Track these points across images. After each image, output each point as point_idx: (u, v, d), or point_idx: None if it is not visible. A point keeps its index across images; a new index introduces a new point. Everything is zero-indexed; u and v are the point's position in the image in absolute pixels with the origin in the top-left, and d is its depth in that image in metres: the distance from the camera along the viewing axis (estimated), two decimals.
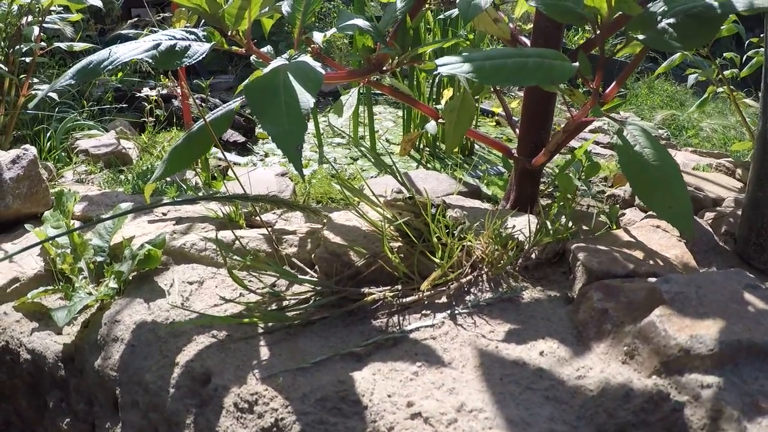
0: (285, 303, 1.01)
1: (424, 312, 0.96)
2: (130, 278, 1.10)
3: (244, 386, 0.80)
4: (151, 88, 2.62)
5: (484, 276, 1.06)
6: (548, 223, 1.10)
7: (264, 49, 1.26)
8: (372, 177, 2.34)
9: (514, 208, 1.39)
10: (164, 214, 1.46)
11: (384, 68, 1.32)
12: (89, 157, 2.12)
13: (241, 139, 2.66)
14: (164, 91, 2.62)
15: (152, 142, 2.44)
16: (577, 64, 1.05)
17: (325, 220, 1.16)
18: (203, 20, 1.30)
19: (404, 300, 0.99)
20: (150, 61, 1.02)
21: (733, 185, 1.78)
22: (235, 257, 1.05)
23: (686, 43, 1.09)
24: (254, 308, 0.97)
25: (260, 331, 0.93)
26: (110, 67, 1.00)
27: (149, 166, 2.00)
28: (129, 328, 0.95)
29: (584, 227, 1.29)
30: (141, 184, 1.82)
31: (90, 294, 1.07)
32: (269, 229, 1.15)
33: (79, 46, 2.09)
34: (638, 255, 1.01)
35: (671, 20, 1.09)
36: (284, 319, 0.95)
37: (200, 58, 1.09)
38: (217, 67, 3.41)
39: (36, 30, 2.12)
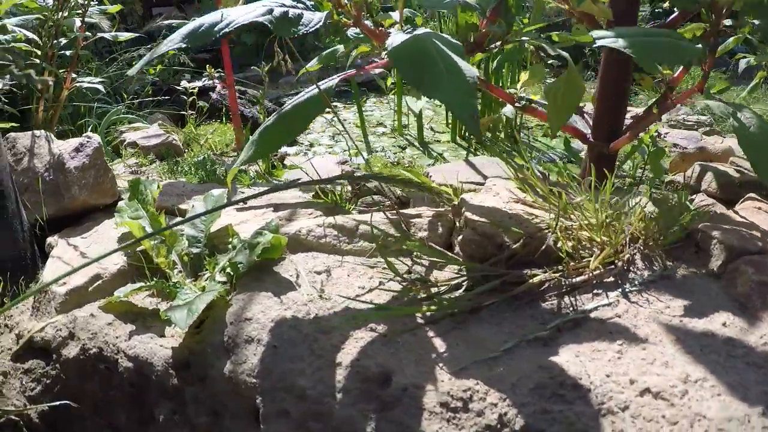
0: (434, 290, 0.87)
1: (595, 291, 0.86)
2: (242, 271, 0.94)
3: (442, 383, 0.66)
4: (188, 81, 2.46)
5: (637, 255, 0.94)
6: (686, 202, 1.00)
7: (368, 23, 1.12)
8: (428, 165, 2.19)
9: None
10: (244, 203, 1.31)
11: (490, 47, 1.22)
12: (139, 149, 1.96)
13: None
14: (201, 84, 2.46)
15: (194, 134, 2.28)
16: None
17: (455, 202, 1.01)
18: None
19: (574, 280, 0.86)
20: (268, 25, 0.87)
21: None
22: (390, 240, 0.90)
23: None
24: (403, 295, 0.83)
25: (420, 321, 0.78)
26: (226, 29, 0.85)
27: (206, 156, 1.84)
28: (265, 327, 0.79)
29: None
30: (203, 174, 1.66)
31: (204, 289, 0.92)
32: (397, 211, 1.00)
33: (124, 35, 1.92)
34: (756, 234, 0.97)
35: None
36: (455, 306, 0.81)
37: (316, 27, 0.94)
38: (246, 60, 3.25)
39: (77, 21, 1.95)
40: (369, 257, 0.94)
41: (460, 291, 0.87)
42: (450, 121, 2.76)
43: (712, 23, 1.09)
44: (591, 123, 1.39)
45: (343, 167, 1.86)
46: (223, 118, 2.50)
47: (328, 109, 2.94)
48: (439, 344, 0.73)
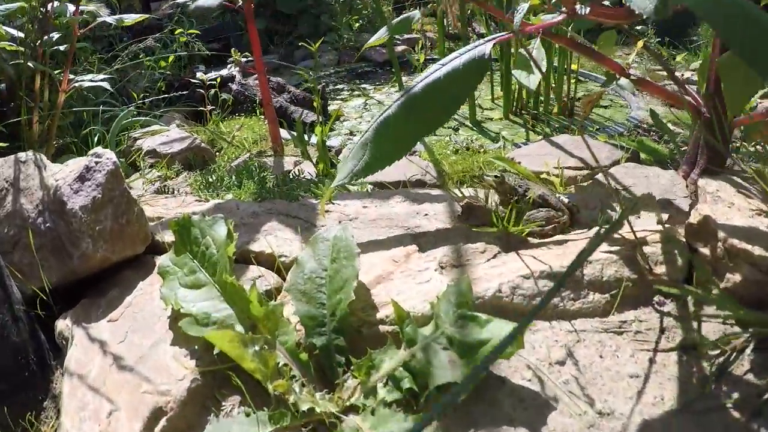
0: (721, 360, 0.52)
1: None
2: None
3: None
4: (204, 72, 2.05)
5: None
6: None
7: None
8: (492, 147, 1.82)
9: (706, 172, 1.10)
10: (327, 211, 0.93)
11: None
12: (159, 158, 1.56)
13: (314, 118, 2.12)
14: (225, 73, 2.06)
15: (220, 132, 1.89)
16: None
17: (690, 220, 0.64)
18: None
19: None
20: None
21: None
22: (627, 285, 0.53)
23: None
24: (685, 375, 0.48)
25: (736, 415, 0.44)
26: None
27: (249, 159, 1.45)
28: None
29: None
30: (253, 185, 1.27)
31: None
32: (635, 245, 0.63)
33: (131, 17, 1.51)
34: None
35: None
36: None
37: None
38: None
39: (71, 7, 1.54)
40: (604, 316, 0.58)
41: (748, 352, 0.54)
42: (494, 96, 2.39)
43: None
44: (696, 94, 1.13)
45: (414, 159, 1.48)
46: (248, 111, 2.11)
47: (357, 92, 2.51)
48: None
